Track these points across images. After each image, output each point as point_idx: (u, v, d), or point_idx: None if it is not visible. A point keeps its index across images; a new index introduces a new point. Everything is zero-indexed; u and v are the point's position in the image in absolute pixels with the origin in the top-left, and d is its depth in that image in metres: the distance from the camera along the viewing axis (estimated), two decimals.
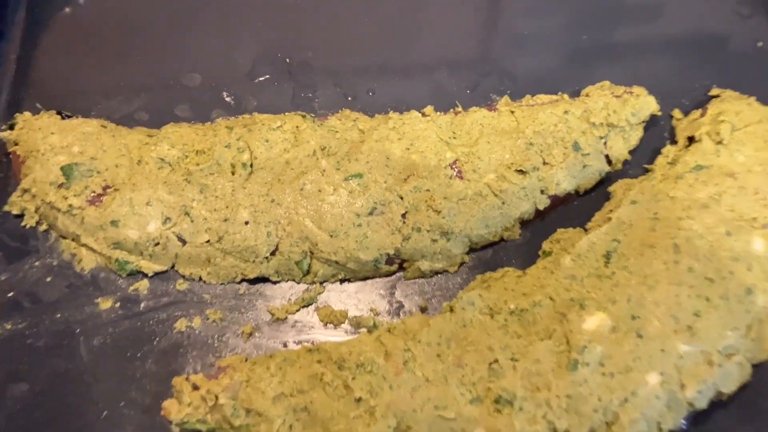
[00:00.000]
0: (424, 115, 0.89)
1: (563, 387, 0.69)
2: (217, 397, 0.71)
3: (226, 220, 0.81)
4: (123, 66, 0.97)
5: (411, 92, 0.94)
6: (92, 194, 0.82)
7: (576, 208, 0.86)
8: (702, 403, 0.71)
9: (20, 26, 1.01)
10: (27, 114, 0.90)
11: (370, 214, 0.80)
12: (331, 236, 0.80)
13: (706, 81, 0.94)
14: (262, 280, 0.82)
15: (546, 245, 0.83)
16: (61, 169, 0.83)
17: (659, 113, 0.90)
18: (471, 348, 0.71)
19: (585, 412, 0.68)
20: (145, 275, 0.82)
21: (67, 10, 1.03)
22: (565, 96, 0.90)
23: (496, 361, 0.70)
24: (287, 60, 0.97)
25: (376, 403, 0.68)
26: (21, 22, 1.01)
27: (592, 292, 0.74)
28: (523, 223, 0.85)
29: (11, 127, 0.89)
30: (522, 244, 0.84)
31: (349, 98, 0.94)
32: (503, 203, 0.82)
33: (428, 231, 0.80)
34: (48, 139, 0.86)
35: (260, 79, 0.96)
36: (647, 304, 0.73)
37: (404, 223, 0.80)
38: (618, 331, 0.71)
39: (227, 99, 0.94)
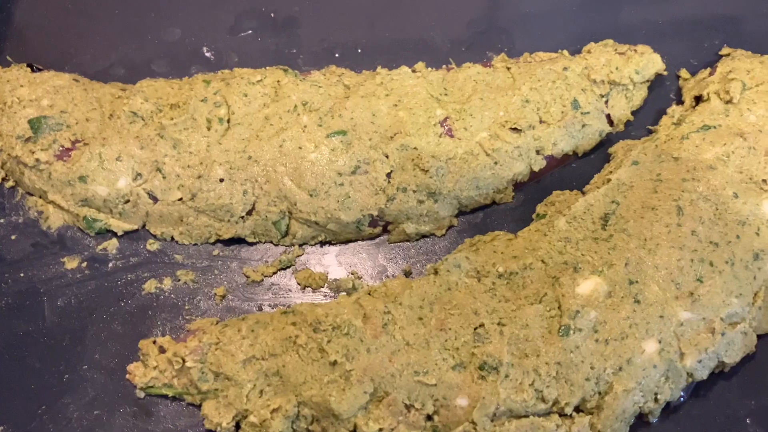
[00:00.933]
0: (414, 71, 0.84)
1: (553, 354, 0.64)
2: (184, 360, 0.67)
3: (200, 177, 0.76)
4: (100, 19, 0.93)
5: (402, 49, 0.89)
6: (60, 148, 0.78)
7: (574, 170, 0.81)
8: (702, 374, 0.66)
9: None
10: None
11: (353, 173, 0.76)
12: (311, 195, 0.75)
13: (716, 40, 0.89)
14: (238, 241, 0.78)
15: (540, 208, 0.78)
16: (29, 122, 0.79)
17: (665, 73, 0.84)
18: (455, 312, 0.67)
19: (576, 380, 0.63)
20: (115, 234, 0.78)
21: None
22: (565, 52, 0.85)
23: (482, 325, 0.66)
24: (272, 14, 0.92)
25: (352, 367, 0.64)
26: None
27: (587, 256, 0.69)
28: (517, 186, 0.80)
29: None
30: (515, 207, 0.80)
31: (336, 55, 0.90)
32: (496, 163, 0.77)
33: (414, 191, 0.75)
34: (16, 92, 0.81)
35: (243, 34, 0.91)
36: (646, 268, 0.68)
37: (389, 182, 0.76)
38: (614, 296, 0.66)
39: (207, 54, 0.90)
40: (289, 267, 0.76)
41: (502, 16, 0.92)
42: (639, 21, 0.91)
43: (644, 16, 0.91)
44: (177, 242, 0.78)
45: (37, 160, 0.78)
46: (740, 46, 0.87)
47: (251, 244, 0.78)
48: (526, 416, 0.64)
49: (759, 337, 0.69)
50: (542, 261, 0.70)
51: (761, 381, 0.69)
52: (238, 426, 0.67)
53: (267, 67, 0.85)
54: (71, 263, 0.76)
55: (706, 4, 0.93)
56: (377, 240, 0.78)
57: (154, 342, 0.70)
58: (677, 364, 0.65)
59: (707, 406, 0.68)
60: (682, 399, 0.68)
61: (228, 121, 0.79)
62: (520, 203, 0.80)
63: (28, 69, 0.86)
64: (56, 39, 0.91)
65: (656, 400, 0.65)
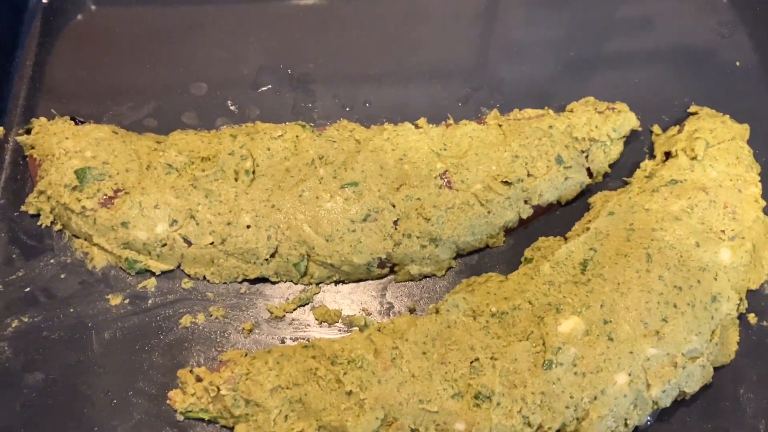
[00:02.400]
0: (417, 126, 0.94)
1: (538, 385, 0.74)
2: (218, 389, 0.77)
3: (229, 223, 0.86)
4: (133, 74, 1.03)
5: (405, 104, 1.00)
6: (104, 197, 0.88)
7: (557, 217, 0.91)
8: (666, 402, 0.77)
9: (35, 34, 1.06)
10: (43, 119, 0.95)
11: (364, 220, 0.86)
12: (327, 240, 0.85)
13: (685, 98, 1.00)
14: (262, 280, 0.87)
15: (528, 252, 0.88)
16: (75, 172, 0.88)
17: (639, 129, 0.95)
18: (454, 347, 0.77)
19: (557, 408, 0.74)
20: (153, 274, 0.88)
21: (80, 17, 1.09)
22: (551, 111, 0.95)
23: (477, 359, 0.76)
24: (289, 71, 1.02)
25: (366, 396, 0.74)
26: (36, 30, 1.07)
27: (568, 298, 0.80)
28: (508, 231, 0.90)
29: (28, 132, 0.94)
30: (506, 250, 0.90)
31: (347, 108, 1.00)
32: (489, 212, 0.88)
33: (418, 237, 0.86)
34: (62, 144, 0.91)
35: (263, 89, 1.01)
36: (619, 309, 0.78)
37: (396, 229, 0.86)
38: (591, 334, 0.77)
39: (231, 107, 1.00)
40: (307, 304, 0.87)
41: (494, 75, 1.03)
42: (617, 80, 1.02)
43: (622, 75, 1.02)
44: (208, 281, 0.88)
45: (84, 207, 0.87)
46: (707, 103, 0.98)
47: (274, 283, 0.88)
48: None
49: (715, 369, 0.80)
50: (529, 302, 0.80)
51: (717, 407, 0.80)
52: None
53: (287, 123, 0.95)
54: (115, 300, 0.86)
55: (678, 65, 1.04)
56: (385, 280, 0.88)
57: (191, 371, 0.80)
58: (644, 394, 0.76)
59: (670, 430, 0.79)
60: (648, 423, 0.78)
61: (253, 172, 0.89)
62: (510, 247, 0.90)
63: (72, 122, 0.96)
64: (94, 92, 1.01)
65: (626, 424, 0.76)
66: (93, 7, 1.10)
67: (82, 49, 1.06)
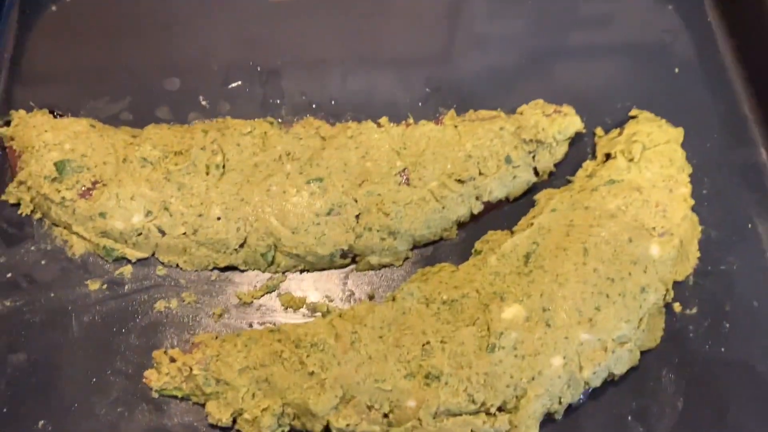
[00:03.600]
0: (379, 125, 1.00)
1: (482, 366, 0.83)
2: (191, 369, 0.84)
3: (200, 215, 0.92)
4: (109, 68, 1.07)
5: (369, 102, 1.06)
6: (82, 188, 0.93)
7: (505, 213, 0.99)
8: (596, 382, 0.86)
9: (12, 26, 1.10)
10: (22, 112, 0.99)
11: (328, 214, 0.93)
12: (293, 233, 0.92)
13: (627, 102, 1.07)
14: (232, 268, 0.94)
15: (477, 245, 0.96)
16: (55, 164, 0.93)
17: (584, 131, 1.03)
18: (408, 331, 0.85)
19: (499, 387, 0.82)
20: (129, 261, 0.94)
21: (54, 8, 1.12)
22: (502, 113, 1.03)
23: (428, 342, 0.84)
24: (258, 68, 1.08)
25: (326, 377, 0.82)
26: (13, 21, 1.10)
27: (511, 287, 0.88)
28: (460, 225, 0.98)
29: (7, 124, 0.99)
30: (458, 243, 0.98)
31: (313, 105, 1.06)
32: (443, 208, 0.95)
33: (378, 231, 0.93)
34: (42, 137, 0.96)
35: (233, 84, 1.07)
36: (557, 298, 0.86)
37: (357, 223, 0.93)
38: (530, 320, 0.85)
39: (203, 103, 1.05)
40: (274, 291, 0.93)
41: (452, 75, 1.09)
42: (566, 83, 1.09)
43: (570, 79, 1.10)
44: (181, 269, 0.94)
45: (63, 198, 0.92)
46: (647, 107, 1.06)
47: (242, 271, 0.94)
48: (461, 415, 0.82)
49: (642, 352, 0.89)
50: (477, 291, 0.88)
51: (642, 387, 0.88)
52: (234, 421, 0.84)
53: (255, 119, 1.01)
54: (94, 285, 0.92)
55: (624, 68, 1.11)
56: (347, 269, 0.95)
57: (166, 352, 0.87)
58: (577, 375, 0.84)
59: (600, 407, 0.87)
60: (580, 401, 0.87)
61: (223, 167, 0.95)
62: (462, 240, 0.98)
63: (50, 115, 1.00)
64: (71, 84, 1.05)
65: (560, 402, 0.84)
66: None
67: (58, 41, 1.10)
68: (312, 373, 0.82)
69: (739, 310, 0.93)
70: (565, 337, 0.84)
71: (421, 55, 1.12)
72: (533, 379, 0.83)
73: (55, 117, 1.00)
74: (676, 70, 1.11)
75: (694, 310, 0.93)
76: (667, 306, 0.92)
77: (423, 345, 0.84)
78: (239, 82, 1.07)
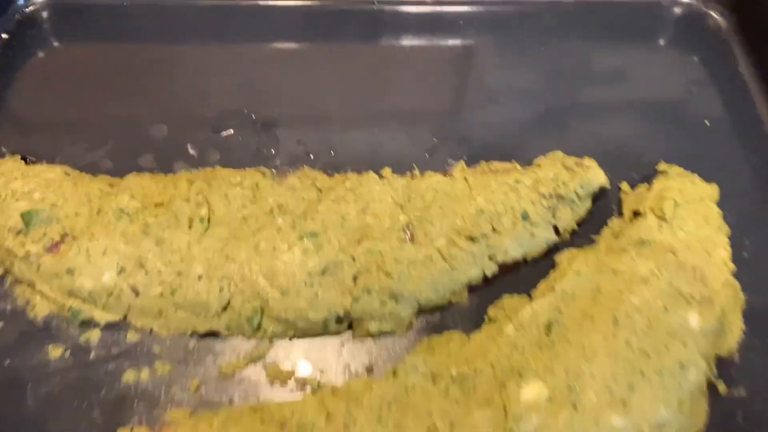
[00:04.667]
0: (381, 176, 0.91)
1: None
2: None
3: (180, 273, 0.82)
4: (92, 112, 1.00)
5: (371, 153, 0.97)
6: (50, 242, 0.83)
7: (523, 275, 0.88)
8: None
9: None
10: None
11: (323, 273, 0.82)
12: (283, 294, 0.81)
13: (654, 155, 0.98)
14: (213, 334, 0.83)
15: (491, 311, 0.85)
16: (21, 215, 0.84)
17: (608, 186, 0.93)
18: (411, 413, 0.73)
19: None
20: (97, 325, 0.83)
21: (41, 54, 1.06)
22: (518, 165, 0.93)
23: (435, 426, 0.72)
24: (253, 115, 1.00)
25: None
26: None
27: (531, 362, 0.76)
28: (471, 288, 0.87)
29: None
30: (469, 308, 0.86)
31: (311, 156, 0.97)
32: (452, 268, 0.84)
33: (378, 293, 0.82)
34: (10, 185, 0.87)
35: (225, 132, 0.98)
36: (584, 375, 0.75)
37: (355, 284, 0.82)
38: (554, 401, 0.73)
39: (191, 151, 0.96)
40: (259, 361, 0.82)
41: (462, 126, 1.01)
42: (586, 133, 1.00)
43: (590, 129, 1.01)
44: (156, 334, 0.83)
45: (28, 252, 0.83)
46: (676, 161, 0.97)
47: (224, 338, 0.83)
48: None
49: None
50: (491, 365, 0.77)
51: None
52: None
53: (246, 169, 0.92)
54: (55, 352, 0.81)
55: (648, 121, 1.03)
56: (342, 336, 0.84)
57: (132, 431, 0.75)
58: None
59: None
60: None
61: (208, 220, 0.85)
62: (473, 305, 0.87)
63: (22, 161, 0.92)
64: (50, 130, 0.98)
65: None
66: (56, 44, 1.07)
67: (42, 85, 1.03)
68: None
69: None
70: (595, 422, 0.73)
71: (429, 107, 1.04)
72: None
73: (27, 164, 0.92)
74: (707, 122, 1.03)
75: (742, 392, 0.80)
76: (711, 386, 0.80)
77: (428, 428, 0.72)
78: (231, 131, 0.99)
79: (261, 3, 1.12)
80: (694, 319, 0.80)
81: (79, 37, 1.07)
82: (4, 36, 1.06)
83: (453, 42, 1.11)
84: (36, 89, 1.02)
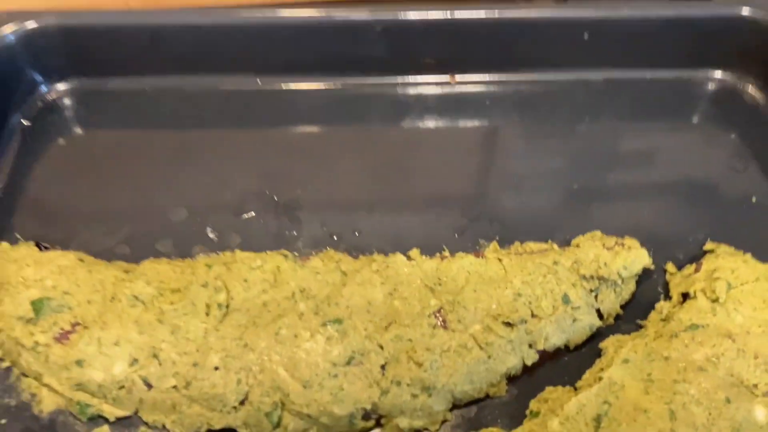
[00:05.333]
0: (409, 258, 0.86)
1: None
2: None
3: (195, 364, 0.76)
4: (109, 198, 0.97)
5: (398, 234, 0.93)
6: (60, 331, 0.79)
7: (566, 363, 0.82)
8: None
9: (11, 155, 1.01)
10: (5, 244, 0.88)
11: (348, 363, 0.76)
12: (305, 387, 0.75)
13: (700, 234, 0.92)
14: (229, 431, 0.77)
15: (533, 404, 0.78)
16: (32, 303, 0.80)
17: (652, 267, 0.87)
18: None
19: None
20: (107, 420, 0.77)
21: (61, 141, 1.04)
22: (555, 245, 0.88)
23: None
24: (275, 197, 0.96)
25: None
26: (13, 151, 1.02)
27: None
28: (510, 379, 0.80)
29: None
30: (508, 401, 0.79)
31: (335, 237, 0.93)
32: (489, 357, 0.78)
33: (408, 385, 0.76)
34: (22, 272, 0.83)
35: (246, 215, 0.95)
36: None
37: (383, 375, 0.76)
38: None
39: (211, 235, 0.93)
40: None
41: (493, 205, 0.96)
42: (625, 213, 0.95)
43: (630, 209, 0.96)
44: (168, 430, 0.77)
45: (36, 342, 0.78)
46: (724, 240, 0.91)
47: None
48: None
49: None
50: None
51: None
52: None
53: (267, 252, 0.87)
54: None
55: (689, 199, 0.98)
56: None
57: None
58: None
59: None
60: None
61: (227, 306, 0.80)
62: (513, 397, 0.80)
63: (36, 248, 0.88)
64: (67, 216, 0.95)
65: None
66: (77, 130, 1.06)
67: (61, 171, 1.01)
68: None
69: None
70: None
71: (456, 188, 1.00)
72: None
73: (41, 250, 0.88)
74: (753, 199, 0.97)
75: None
76: None
77: None
78: (253, 213, 0.95)
79: (283, 88, 1.11)
80: (760, 413, 0.72)
81: (101, 123, 1.06)
82: (25, 122, 1.05)
83: (479, 122, 1.09)
84: (55, 175, 1.00)
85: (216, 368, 0.76)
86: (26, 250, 0.87)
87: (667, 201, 0.99)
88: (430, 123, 1.09)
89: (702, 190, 0.99)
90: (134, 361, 0.77)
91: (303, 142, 1.05)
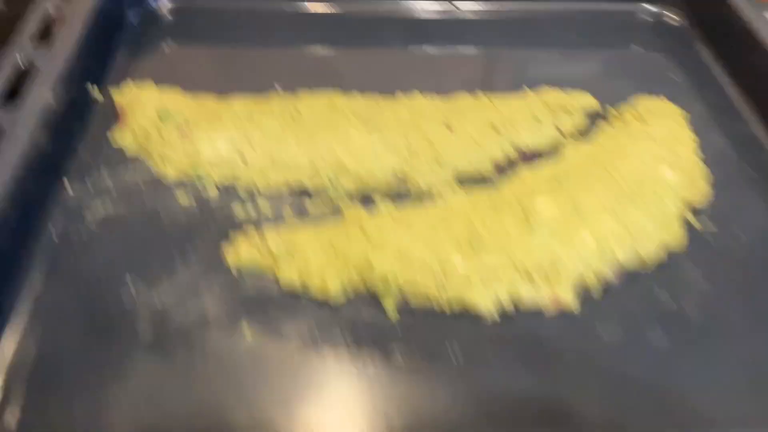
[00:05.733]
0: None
1: (523, 241, 0.93)
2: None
3: (278, 144, 1.09)
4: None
5: None
6: (181, 129, 1.12)
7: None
8: (626, 261, 0.95)
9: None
10: (130, 81, 1.22)
11: (385, 149, 1.09)
12: (356, 161, 1.08)
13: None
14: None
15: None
16: (157, 112, 1.14)
17: (599, 108, 1.21)
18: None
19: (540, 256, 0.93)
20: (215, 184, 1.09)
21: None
22: (529, 92, 1.23)
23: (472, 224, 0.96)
24: None
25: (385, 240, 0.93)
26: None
27: (543, 188, 1.01)
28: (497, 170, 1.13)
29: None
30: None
31: None
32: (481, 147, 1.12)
33: (425, 160, 1.09)
34: (147, 93, 1.18)
35: None
36: (584, 199, 0.99)
37: (408, 154, 1.09)
38: (562, 210, 0.97)
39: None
40: None
41: None
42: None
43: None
44: (260, 192, 1.08)
45: (165, 137, 1.11)
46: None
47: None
48: None
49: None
50: (512, 192, 1.02)
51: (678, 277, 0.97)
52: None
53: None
54: (182, 200, 1.06)
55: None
56: None
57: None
58: (607, 251, 0.95)
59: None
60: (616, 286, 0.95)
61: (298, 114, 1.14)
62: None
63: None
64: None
65: (596, 277, 0.94)
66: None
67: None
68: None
69: None
70: (593, 221, 0.96)
71: None
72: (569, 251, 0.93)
73: None
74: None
75: (713, 228, 1.03)
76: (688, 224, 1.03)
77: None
78: None
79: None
80: (669, 174, 1.05)
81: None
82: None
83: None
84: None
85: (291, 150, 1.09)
86: (147, 86, 1.21)
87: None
88: None
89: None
90: (234, 146, 1.10)
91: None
